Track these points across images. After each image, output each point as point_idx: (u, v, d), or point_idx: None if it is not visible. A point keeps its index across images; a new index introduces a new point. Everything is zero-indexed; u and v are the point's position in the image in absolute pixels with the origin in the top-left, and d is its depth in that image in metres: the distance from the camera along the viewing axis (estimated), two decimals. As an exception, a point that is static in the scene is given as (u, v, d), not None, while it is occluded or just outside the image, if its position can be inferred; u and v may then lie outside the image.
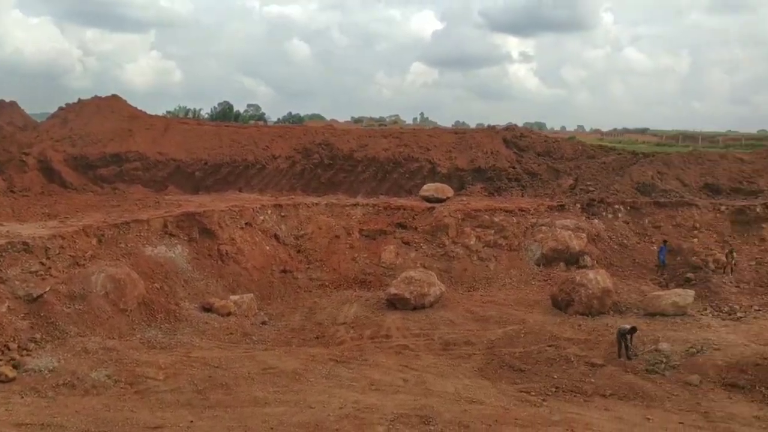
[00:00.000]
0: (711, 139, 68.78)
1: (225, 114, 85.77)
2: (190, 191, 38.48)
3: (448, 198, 35.58)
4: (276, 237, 30.54)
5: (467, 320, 24.43)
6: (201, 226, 27.64)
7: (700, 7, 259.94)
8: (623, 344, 19.59)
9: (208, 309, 24.19)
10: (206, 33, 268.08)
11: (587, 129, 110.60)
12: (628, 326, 20.16)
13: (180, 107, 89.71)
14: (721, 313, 24.91)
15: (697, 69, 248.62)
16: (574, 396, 17.41)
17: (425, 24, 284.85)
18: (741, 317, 24.07)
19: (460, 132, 46.19)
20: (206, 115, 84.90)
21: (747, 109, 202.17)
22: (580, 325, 23.32)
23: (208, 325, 23.02)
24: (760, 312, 24.74)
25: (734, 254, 30.61)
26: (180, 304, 23.81)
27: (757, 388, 17.13)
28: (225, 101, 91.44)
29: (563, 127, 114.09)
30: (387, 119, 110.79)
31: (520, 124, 55.41)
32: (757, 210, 34.36)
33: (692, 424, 15.24)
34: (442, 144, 41.68)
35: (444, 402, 16.06)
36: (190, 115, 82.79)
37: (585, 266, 30.07)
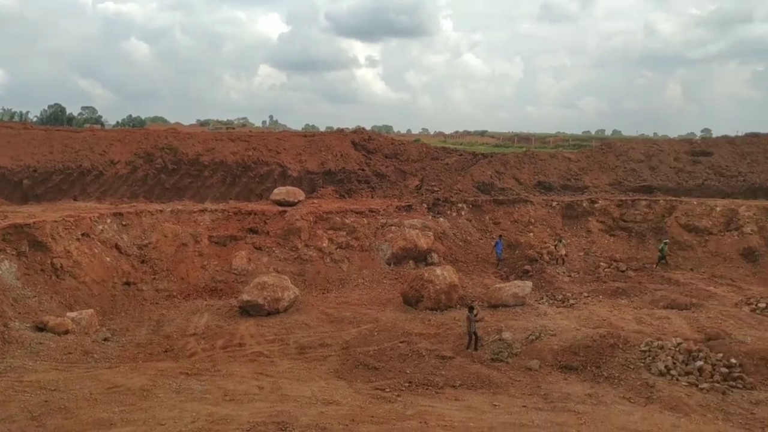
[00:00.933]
0: (542, 140, 74.18)
1: (56, 117, 79.75)
2: (17, 201, 35.24)
3: (299, 201, 35.45)
4: (117, 247, 28.76)
5: (322, 322, 24.48)
6: (31, 239, 25.37)
7: (531, 16, 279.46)
8: (472, 337, 20.55)
9: (42, 328, 22.23)
10: (33, 30, 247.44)
11: (431, 132, 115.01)
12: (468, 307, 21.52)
13: (5, 110, 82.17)
14: (555, 301, 26.92)
15: (530, 75, 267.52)
16: (427, 389, 17.98)
17: (271, 26, 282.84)
18: (573, 304, 26.17)
19: (309, 135, 46.19)
20: (35, 119, 78.42)
21: (573, 112, 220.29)
22: (429, 320, 24.20)
23: (42, 345, 21.16)
24: (589, 298, 27.04)
25: (563, 244, 33.23)
26: (9, 325, 21.68)
27: (588, 368, 18.68)
28: (56, 104, 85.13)
29: (409, 130, 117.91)
30: (235, 122, 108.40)
31: (368, 127, 56.56)
32: (584, 205, 37.55)
33: (533, 406, 16.29)
34: (292, 147, 41.46)
35: (300, 406, 15.95)
36: (16, 118, 76.05)
37: (433, 263, 31.27)
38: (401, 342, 21.28)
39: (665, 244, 33.60)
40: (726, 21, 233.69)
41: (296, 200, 35.36)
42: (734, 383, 17.40)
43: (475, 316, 20.81)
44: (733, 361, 18.06)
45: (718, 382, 17.43)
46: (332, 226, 32.97)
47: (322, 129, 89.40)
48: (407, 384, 18.29)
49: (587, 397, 16.97)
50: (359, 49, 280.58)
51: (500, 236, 33.82)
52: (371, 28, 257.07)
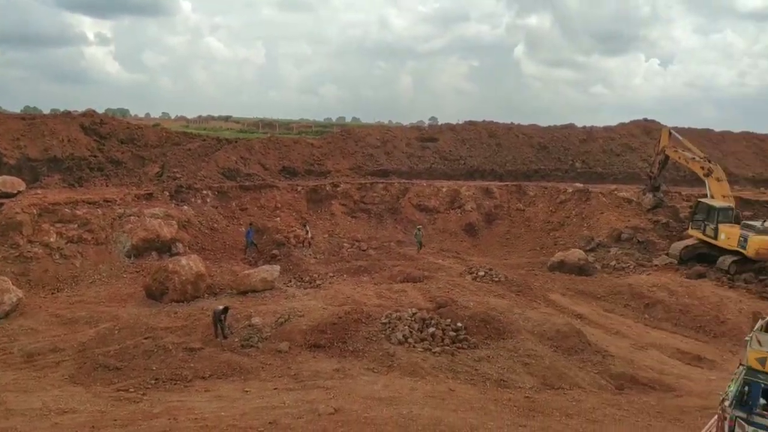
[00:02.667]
0: (286, 126, 75.03)
1: None
2: None
3: (19, 192, 31.49)
4: None
5: (52, 325, 22.20)
6: None
7: (271, 3, 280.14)
8: (219, 324, 20.23)
9: None
10: None
11: (172, 116, 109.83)
12: (221, 306, 20.88)
13: None
14: (303, 283, 27.61)
15: (272, 60, 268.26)
16: (175, 384, 17.32)
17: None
18: (320, 284, 27.09)
19: (29, 118, 41.18)
20: None
21: (315, 99, 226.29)
22: (176, 313, 23.28)
23: None
24: (334, 278, 28.21)
25: (307, 227, 34.21)
26: None
27: (335, 344, 19.52)
28: None
29: (148, 114, 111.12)
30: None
31: (102, 110, 52.09)
32: (327, 189, 38.96)
33: (285, 387, 16.61)
34: (8, 131, 36.58)
35: (30, 420, 14.35)
36: None
37: (177, 253, 30.04)
38: (145, 338, 20.16)
39: (419, 230, 35.94)
40: (447, 19, 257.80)
41: (15, 191, 31.35)
42: (461, 344, 19.50)
43: (225, 319, 20.47)
44: (459, 324, 20.19)
45: (448, 345, 19.39)
46: (61, 219, 29.87)
47: (46, 111, 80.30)
48: (153, 381, 17.44)
49: (335, 372, 17.74)
50: (88, 24, 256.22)
51: (250, 224, 33.67)
52: (101, 4, 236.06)
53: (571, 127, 52.91)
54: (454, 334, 19.85)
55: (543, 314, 22.56)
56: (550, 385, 18.00)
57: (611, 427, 15.79)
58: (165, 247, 30.94)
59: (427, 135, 49.36)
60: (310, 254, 32.74)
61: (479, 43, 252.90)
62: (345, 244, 35.14)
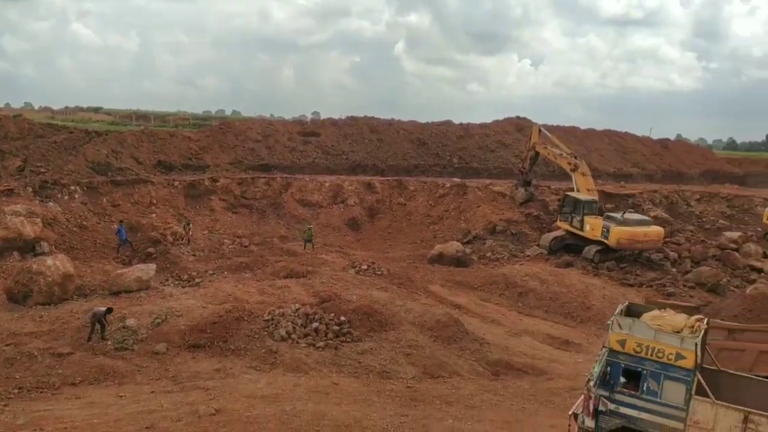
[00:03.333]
0: (162, 118, 72.18)
1: None
2: None
3: None
4: None
5: None
6: None
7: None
8: (97, 327, 19.12)
9: None
10: None
11: (36, 106, 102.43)
12: (103, 308, 19.76)
13: None
14: (181, 282, 26.63)
15: (146, 49, 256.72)
16: (41, 392, 16.21)
17: None
18: (199, 282, 26.23)
19: None
20: None
21: (194, 90, 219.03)
22: (42, 316, 21.73)
23: None
24: (214, 275, 27.44)
25: (190, 225, 33.09)
26: None
27: (216, 343, 19.03)
28: None
29: (8, 104, 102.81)
30: None
31: (-50, 98, 47.68)
32: (206, 183, 37.86)
33: (162, 390, 16.00)
34: None
35: None
36: None
37: (43, 253, 28.04)
38: (7, 345, 18.71)
39: (310, 229, 34.99)
40: (329, 13, 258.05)
41: None
42: (345, 338, 19.63)
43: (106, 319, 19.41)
44: (342, 318, 20.30)
45: (332, 339, 19.45)
46: None
47: None
48: (17, 390, 16.22)
49: (216, 372, 17.31)
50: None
51: (121, 221, 32.00)
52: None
53: (448, 123, 54.52)
54: (338, 328, 19.94)
55: (424, 305, 23.15)
56: (431, 374, 18.52)
57: (488, 411, 16.48)
58: (28, 247, 28.77)
59: (310, 129, 49.19)
60: (188, 252, 31.67)
61: (360, 39, 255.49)
62: (226, 241, 34.30)
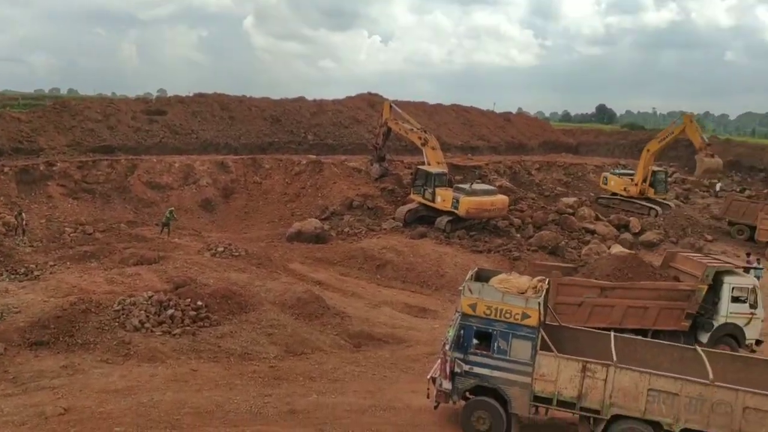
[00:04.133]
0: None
1: None
2: None
3: None
4: None
5: None
6: None
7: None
8: None
9: None
10: None
11: None
12: None
13: None
14: (18, 276, 24.48)
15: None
16: None
17: None
18: (38, 275, 24.26)
19: None
20: None
21: (21, 67, 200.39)
22: None
23: None
24: (56, 266, 25.51)
25: (23, 215, 30.46)
26: None
27: (61, 339, 17.73)
28: None
29: None
30: None
31: None
32: (41, 168, 34.98)
33: (2, 394, 14.77)
34: None
35: None
36: None
37: None
38: None
39: (171, 210, 32.75)
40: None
41: None
42: (203, 323, 19.04)
43: None
44: (199, 303, 19.66)
45: (189, 326, 18.79)
46: None
47: None
48: None
49: (63, 369, 16.20)
50: None
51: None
52: None
53: (302, 100, 54.11)
54: (195, 313, 19.30)
55: (284, 284, 23.02)
56: (294, 352, 18.54)
57: (351, 383, 16.81)
58: None
59: (155, 108, 46.69)
60: (24, 243, 29.17)
61: (207, 13, 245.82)
62: (67, 229, 31.89)
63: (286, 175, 41.09)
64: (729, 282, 20.22)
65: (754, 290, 20.30)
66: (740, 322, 20.21)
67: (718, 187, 56.40)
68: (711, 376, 13.34)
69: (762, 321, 20.64)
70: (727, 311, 20.14)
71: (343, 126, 51.03)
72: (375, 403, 15.51)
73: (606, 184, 44.91)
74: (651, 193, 42.98)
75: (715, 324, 20.26)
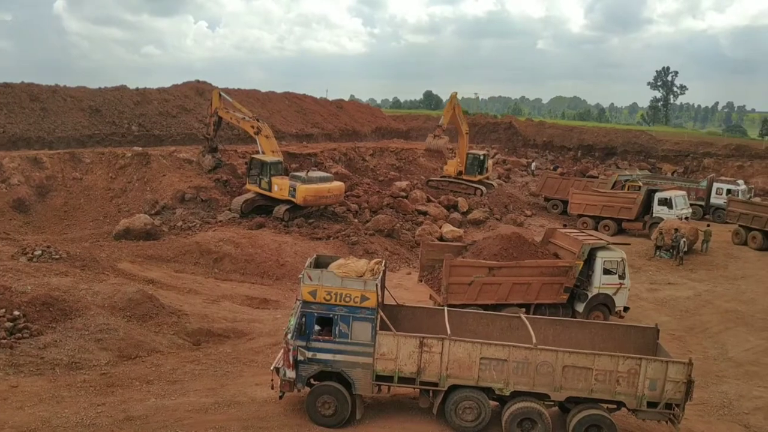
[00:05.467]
0: None
1: None
2: None
3: None
4: None
5: None
6: None
7: None
8: None
9: None
10: None
11: None
12: None
13: None
14: None
15: None
16: None
17: None
18: None
19: None
20: None
21: None
22: None
23: None
24: None
25: None
26: None
27: None
28: None
29: None
30: None
31: None
32: None
33: None
34: None
35: None
36: None
37: None
38: None
39: None
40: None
41: None
42: (21, 334, 17.42)
43: None
44: (16, 313, 17.97)
45: (5, 338, 17.11)
46: None
47: None
48: None
49: None
50: None
51: None
52: None
53: (123, 89, 50.76)
54: (11, 324, 17.59)
55: (113, 285, 21.65)
56: (128, 356, 17.60)
57: (192, 383, 16.29)
58: None
59: (-50, 100, 41.64)
60: None
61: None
62: None
63: (110, 169, 38.48)
64: (601, 256, 22.43)
65: (622, 263, 22.69)
66: (611, 292, 22.56)
67: (533, 166, 61.31)
68: (534, 340, 14.54)
69: (628, 290, 23.12)
70: (599, 283, 22.37)
71: (170, 115, 48.71)
72: (218, 400, 15.17)
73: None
74: (465, 174, 45.50)
75: (589, 294, 22.44)
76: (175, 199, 35.46)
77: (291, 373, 14.35)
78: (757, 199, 42.62)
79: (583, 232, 25.28)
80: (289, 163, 39.12)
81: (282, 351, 14.67)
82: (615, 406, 14.82)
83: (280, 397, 14.83)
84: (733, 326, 23.89)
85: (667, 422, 14.84)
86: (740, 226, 36.54)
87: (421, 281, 23.66)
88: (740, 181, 46.71)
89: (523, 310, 21.01)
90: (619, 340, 16.14)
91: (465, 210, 40.45)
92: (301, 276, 14.47)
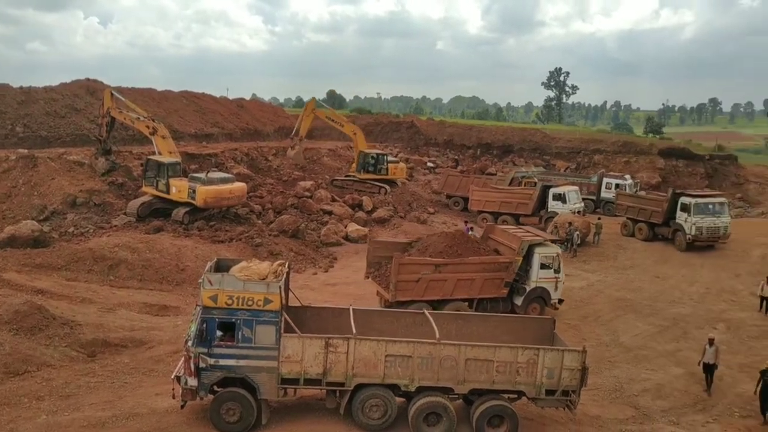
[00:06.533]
0: None
1: None
2: None
3: None
4: None
5: None
6: None
7: None
8: None
9: None
10: None
11: None
12: None
13: None
14: None
15: None
16: None
17: None
18: None
19: None
20: None
21: None
22: None
23: None
24: None
25: None
26: None
27: None
28: None
29: None
30: None
31: None
32: None
33: None
34: None
35: None
36: None
37: None
38: None
39: None
40: None
41: None
42: None
43: None
44: None
45: None
46: None
47: None
48: None
49: None
50: None
51: None
52: None
53: (6, 87, 47.49)
54: None
55: (-3, 297, 20.27)
56: (15, 372, 16.55)
57: (87, 396, 15.56)
58: None
59: None
60: None
61: None
62: None
63: (-7, 173, 36.00)
64: (539, 252, 23.43)
65: (557, 258, 23.79)
66: (547, 286, 23.58)
67: (433, 164, 62.65)
68: (437, 335, 14.82)
69: (563, 283, 24.15)
70: (537, 277, 23.35)
71: (58, 116, 46.05)
72: (116, 413, 14.54)
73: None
74: (360, 174, 45.67)
75: (527, 288, 23.42)
76: (65, 204, 33.57)
77: (193, 381, 13.94)
78: (643, 193, 45.21)
79: (520, 229, 26.37)
80: (188, 164, 38.00)
81: (183, 359, 14.22)
82: (516, 396, 15.35)
83: (182, 407, 14.38)
84: (623, 314, 25.27)
85: (564, 408, 15.54)
86: (628, 218, 38.70)
87: (368, 278, 24.05)
88: (627, 176, 49.62)
89: (466, 304, 22.25)
90: (518, 331, 16.73)
91: (370, 209, 40.70)
92: (201, 280, 14.08)
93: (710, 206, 35.00)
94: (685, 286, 29.28)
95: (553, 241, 25.21)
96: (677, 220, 35.49)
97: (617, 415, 17.11)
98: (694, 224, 34.29)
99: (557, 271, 23.74)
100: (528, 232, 25.11)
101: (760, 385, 16.90)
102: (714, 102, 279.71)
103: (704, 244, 34.75)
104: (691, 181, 58.60)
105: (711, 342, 18.67)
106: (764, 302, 25.36)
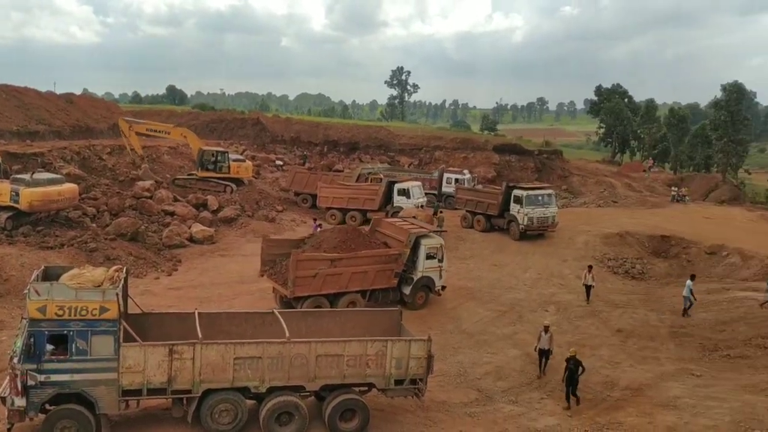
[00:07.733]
0: None
1: None
2: None
3: None
4: None
5: None
6: None
7: None
8: None
9: None
10: None
11: None
12: None
13: None
14: None
15: None
16: None
17: None
18: None
19: None
20: None
21: None
22: None
23: None
24: None
25: None
26: None
27: None
28: None
29: None
30: None
31: None
32: None
33: None
34: None
35: None
36: None
37: None
38: None
39: None
40: None
41: None
42: None
43: None
44: None
45: None
46: None
47: None
48: None
49: None
50: None
51: None
52: None
53: None
54: None
55: None
56: None
57: None
58: None
59: None
60: None
61: None
62: None
63: None
64: (425, 244, 24.48)
65: (441, 248, 24.94)
66: (432, 275, 24.77)
67: (281, 162, 62.18)
68: (287, 334, 14.72)
69: (446, 271, 25.39)
70: (423, 267, 24.39)
71: None
72: (-73, 444, 12.97)
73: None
74: (200, 172, 44.48)
75: (415, 278, 24.37)
76: None
77: (20, 401, 12.79)
78: (480, 187, 47.72)
79: (406, 221, 27.15)
80: (10, 164, 34.70)
81: (8, 377, 13.00)
82: (366, 388, 15.63)
83: (9, 430, 13.14)
84: (465, 301, 26.56)
85: (413, 396, 16.08)
86: (467, 211, 40.71)
87: (263, 276, 23.80)
88: (466, 171, 52.19)
89: (360, 296, 22.91)
90: (367, 325, 17.04)
91: (215, 208, 39.49)
92: (26, 291, 12.94)
93: (540, 198, 37.65)
94: (519, 272, 31.31)
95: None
96: (511, 212, 37.78)
97: (462, 399, 17.97)
98: (526, 215, 36.70)
99: (441, 261, 24.98)
100: (413, 224, 26.07)
101: (566, 373, 17.95)
102: (541, 101, 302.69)
103: (535, 232, 37.29)
104: (522, 175, 62.92)
105: (546, 329, 19.92)
106: (588, 290, 27.53)
